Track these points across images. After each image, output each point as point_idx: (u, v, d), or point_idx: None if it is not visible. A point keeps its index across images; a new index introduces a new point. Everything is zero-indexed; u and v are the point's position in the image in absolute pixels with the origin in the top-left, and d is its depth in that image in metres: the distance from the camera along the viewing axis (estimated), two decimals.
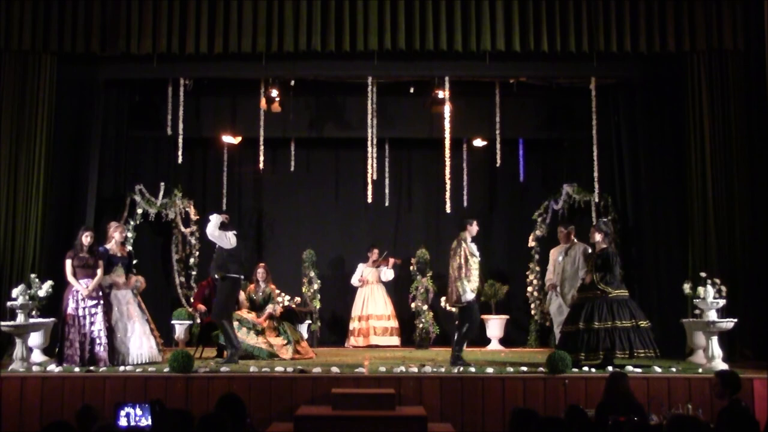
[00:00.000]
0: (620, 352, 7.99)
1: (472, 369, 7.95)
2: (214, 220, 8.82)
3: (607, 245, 8.42)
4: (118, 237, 8.78)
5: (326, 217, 12.18)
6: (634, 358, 8.02)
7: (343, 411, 7.01)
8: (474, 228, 8.73)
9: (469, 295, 8.45)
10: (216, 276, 8.96)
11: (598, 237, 8.48)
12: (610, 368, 7.85)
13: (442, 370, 7.93)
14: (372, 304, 11.43)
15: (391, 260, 11.51)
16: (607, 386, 6.15)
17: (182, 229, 11.42)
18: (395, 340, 11.32)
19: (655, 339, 8.27)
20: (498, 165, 11.36)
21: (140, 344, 8.45)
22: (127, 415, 4.67)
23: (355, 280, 11.59)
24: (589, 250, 8.95)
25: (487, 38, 9.43)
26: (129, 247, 9.67)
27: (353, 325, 11.43)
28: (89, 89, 10.12)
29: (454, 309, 8.58)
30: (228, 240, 8.84)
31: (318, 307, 11.36)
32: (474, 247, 8.64)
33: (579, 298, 8.43)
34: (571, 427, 4.35)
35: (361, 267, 11.64)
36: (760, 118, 9.50)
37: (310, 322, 11.17)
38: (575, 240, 9.44)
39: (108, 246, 8.66)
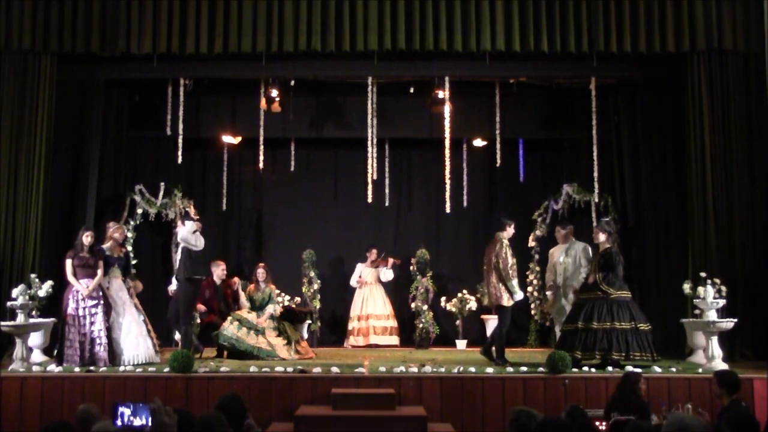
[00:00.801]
0: (617, 353, 7.98)
1: (472, 369, 7.94)
2: (189, 226, 9.15)
3: (610, 245, 8.40)
4: (118, 237, 8.79)
5: (326, 217, 12.18)
6: (630, 360, 8.01)
7: (343, 411, 7.02)
8: (511, 230, 8.83)
9: (519, 295, 8.64)
10: (178, 278, 9.26)
11: (602, 237, 8.46)
12: (609, 368, 7.86)
13: (442, 370, 7.93)
14: (371, 303, 11.43)
15: (390, 260, 11.51)
16: (618, 385, 6.17)
17: None
18: (395, 340, 11.32)
19: (655, 339, 8.26)
20: (498, 165, 11.37)
21: (136, 345, 8.45)
22: (125, 414, 4.65)
23: (353, 281, 11.59)
24: (589, 248, 8.94)
25: (487, 38, 9.43)
26: (129, 247, 9.66)
27: (352, 324, 11.43)
28: (89, 89, 10.11)
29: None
30: (198, 242, 9.15)
31: (318, 307, 11.35)
32: None
33: (580, 298, 8.43)
34: (572, 427, 4.34)
35: (359, 267, 11.64)
36: (760, 118, 9.50)
37: (310, 322, 11.17)
38: (573, 239, 9.42)
39: (105, 246, 8.65)
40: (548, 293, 9.78)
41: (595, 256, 8.58)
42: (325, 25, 9.44)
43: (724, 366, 7.88)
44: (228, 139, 11.71)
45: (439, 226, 12.20)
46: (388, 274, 11.51)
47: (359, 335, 11.32)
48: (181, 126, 10.45)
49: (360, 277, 11.57)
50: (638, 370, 7.67)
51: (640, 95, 10.41)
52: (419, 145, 12.04)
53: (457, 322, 11.35)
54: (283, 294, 11.05)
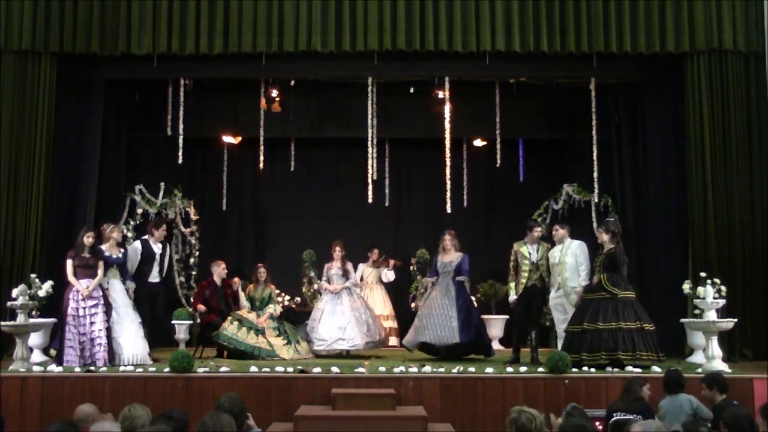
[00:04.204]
0: (623, 353, 7.95)
1: (472, 369, 7.94)
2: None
3: (614, 245, 8.38)
4: (116, 236, 8.80)
5: (326, 217, 12.18)
6: (636, 360, 8.00)
7: (343, 411, 7.01)
8: (533, 233, 9.05)
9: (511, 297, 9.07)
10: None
11: (605, 237, 8.44)
12: (609, 369, 7.86)
13: (442, 370, 7.93)
14: (371, 304, 11.40)
15: (391, 262, 11.51)
16: (624, 388, 6.18)
17: (182, 229, 11.43)
18: (393, 341, 11.29)
19: (656, 339, 8.25)
20: (498, 165, 11.38)
21: (135, 345, 8.45)
22: None
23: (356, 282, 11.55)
24: (585, 246, 8.94)
25: (487, 38, 9.43)
26: (134, 246, 9.66)
27: None
28: (89, 89, 10.11)
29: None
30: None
31: None
32: (528, 250, 9.01)
33: (585, 299, 8.41)
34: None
35: (361, 267, 11.63)
36: (760, 118, 9.52)
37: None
38: (569, 238, 9.38)
39: (104, 246, 8.65)
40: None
41: (598, 256, 8.56)
42: (325, 25, 9.45)
43: (723, 366, 7.89)
44: (228, 139, 11.72)
45: (439, 226, 12.17)
46: (389, 275, 11.51)
47: None
48: (181, 126, 10.45)
49: (362, 278, 11.57)
50: (638, 370, 7.71)
51: (640, 95, 10.41)
52: (419, 145, 12.04)
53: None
54: (283, 294, 11.05)
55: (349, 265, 10.11)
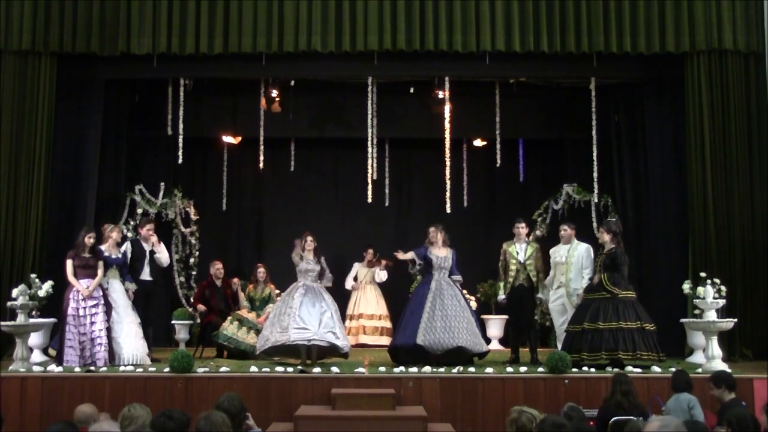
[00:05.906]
0: (624, 353, 7.96)
1: (472, 369, 7.94)
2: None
3: (615, 245, 8.38)
4: (115, 236, 8.81)
5: (326, 218, 12.18)
6: (637, 360, 8.00)
7: (343, 411, 7.02)
8: (515, 230, 9.14)
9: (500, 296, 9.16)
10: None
11: (606, 237, 8.44)
12: (609, 368, 7.86)
13: (442, 370, 7.93)
14: (364, 303, 11.45)
15: (383, 262, 11.51)
16: (611, 387, 6.17)
17: (182, 229, 11.42)
18: (385, 340, 11.28)
19: (656, 339, 8.25)
20: (498, 165, 11.37)
21: (134, 345, 8.45)
22: None
23: (348, 283, 11.54)
24: (591, 250, 8.92)
25: (487, 38, 9.44)
26: (124, 248, 9.68)
27: (345, 323, 11.41)
28: (89, 89, 10.11)
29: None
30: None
31: None
32: (516, 249, 9.06)
33: (586, 299, 8.41)
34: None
35: (356, 266, 11.66)
36: (760, 118, 9.52)
37: None
38: (575, 240, 9.39)
39: (103, 246, 8.65)
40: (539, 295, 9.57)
41: (599, 256, 8.56)
42: (325, 25, 9.45)
43: (723, 366, 7.88)
44: (228, 139, 11.72)
45: None
46: (381, 275, 11.52)
47: (349, 334, 11.26)
48: (181, 126, 10.44)
49: (355, 279, 11.57)
50: (638, 370, 7.71)
51: (640, 95, 10.41)
52: (419, 145, 12.04)
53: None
54: (282, 294, 11.02)
55: (323, 261, 9.15)
